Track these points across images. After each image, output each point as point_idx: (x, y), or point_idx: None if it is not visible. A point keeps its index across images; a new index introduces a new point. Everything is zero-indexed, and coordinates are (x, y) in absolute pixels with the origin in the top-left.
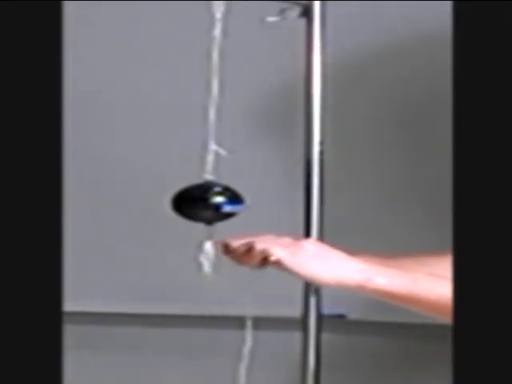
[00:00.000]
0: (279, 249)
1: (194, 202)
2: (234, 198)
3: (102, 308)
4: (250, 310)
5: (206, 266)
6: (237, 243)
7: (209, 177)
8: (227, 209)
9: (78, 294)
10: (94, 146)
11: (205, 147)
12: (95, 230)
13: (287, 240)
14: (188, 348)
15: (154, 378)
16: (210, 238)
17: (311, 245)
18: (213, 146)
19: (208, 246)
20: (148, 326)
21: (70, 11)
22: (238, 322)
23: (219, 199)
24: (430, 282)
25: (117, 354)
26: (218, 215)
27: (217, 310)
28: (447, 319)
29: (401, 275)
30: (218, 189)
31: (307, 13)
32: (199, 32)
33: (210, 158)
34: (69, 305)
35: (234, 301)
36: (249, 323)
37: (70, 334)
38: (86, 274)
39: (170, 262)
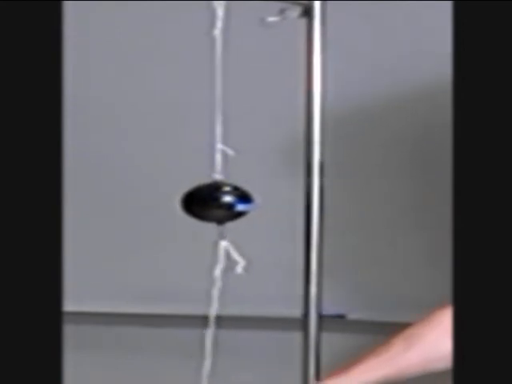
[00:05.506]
0: None
1: (204, 202)
2: (244, 197)
3: (102, 308)
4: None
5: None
6: None
7: (218, 176)
8: (239, 208)
9: (78, 294)
10: (98, 146)
11: (211, 147)
12: (95, 230)
13: None
14: (188, 348)
15: (154, 377)
16: (222, 237)
17: None
18: (220, 146)
19: (223, 245)
20: (148, 326)
21: (70, 11)
22: (239, 322)
23: (231, 198)
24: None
25: (117, 354)
26: (230, 214)
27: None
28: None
29: None
30: (228, 188)
31: (308, 13)
32: (200, 32)
33: (218, 158)
34: (69, 305)
35: (234, 301)
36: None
37: (70, 334)
38: (86, 274)
39: (171, 262)
